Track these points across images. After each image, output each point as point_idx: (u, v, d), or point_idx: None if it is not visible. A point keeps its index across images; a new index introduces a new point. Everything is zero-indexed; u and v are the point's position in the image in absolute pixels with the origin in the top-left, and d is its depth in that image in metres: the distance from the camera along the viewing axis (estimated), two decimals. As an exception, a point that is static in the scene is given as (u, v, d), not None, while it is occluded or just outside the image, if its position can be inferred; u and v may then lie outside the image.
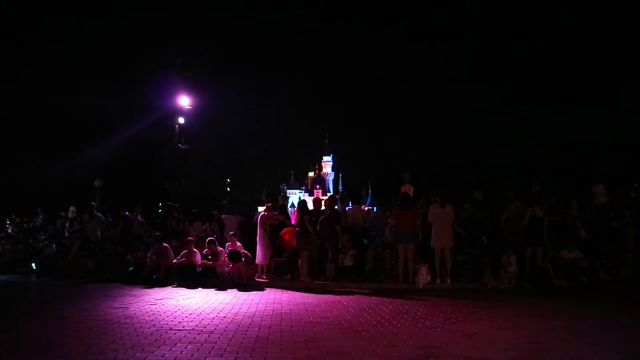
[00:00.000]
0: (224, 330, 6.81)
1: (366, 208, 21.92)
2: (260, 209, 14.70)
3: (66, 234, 17.18)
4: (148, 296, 10.30)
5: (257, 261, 12.60)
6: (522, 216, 12.20)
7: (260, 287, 11.60)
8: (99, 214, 16.81)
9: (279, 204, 14.21)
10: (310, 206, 13.31)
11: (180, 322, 7.46)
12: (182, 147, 20.35)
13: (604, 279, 12.01)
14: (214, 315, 7.98)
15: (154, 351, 5.70)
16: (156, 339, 6.29)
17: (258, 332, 6.77)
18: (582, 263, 12.08)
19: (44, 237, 17.19)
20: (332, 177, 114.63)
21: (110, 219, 16.97)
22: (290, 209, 15.12)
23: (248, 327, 7.05)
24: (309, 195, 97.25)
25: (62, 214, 18.33)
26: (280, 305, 9.09)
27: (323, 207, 13.40)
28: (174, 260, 12.71)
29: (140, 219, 16.72)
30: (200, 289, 11.45)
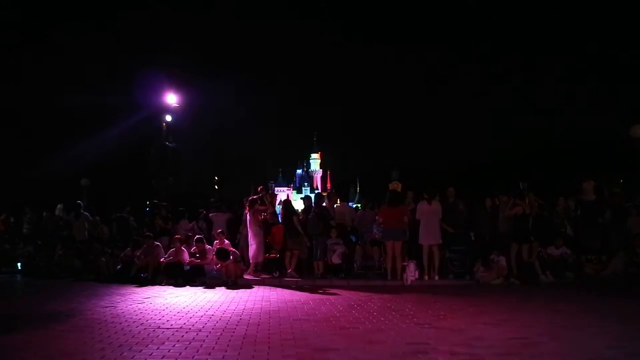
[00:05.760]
0: (212, 329, 6.79)
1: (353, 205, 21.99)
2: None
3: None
4: (135, 295, 10.24)
5: (251, 259, 12.55)
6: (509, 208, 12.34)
7: (248, 285, 11.57)
8: (85, 212, 16.68)
9: (258, 195, 13.83)
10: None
11: (168, 320, 7.42)
12: (170, 145, 20.28)
13: (589, 274, 12.14)
14: (202, 314, 7.95)
15: (141, 350, 5.66)
16: (144, 338, 6.25)
17: (246, 330, 6.75)
18: (568, 259, 12.22)
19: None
20: (320, 175, 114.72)
21: (97, 218, 16.85)
22: (278, 206, 15.05)
23: (236, 325, 7.03)
24: (297, 193, 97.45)
25: (45, 213, 18.15)
26: (268, 303, 9.08)
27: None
28: (162, 259, 12.64)
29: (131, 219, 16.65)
30: (188, 287, 11.41)
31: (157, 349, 5.72)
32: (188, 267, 12.41)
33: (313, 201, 13.44)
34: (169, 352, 5.58)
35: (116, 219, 16.32)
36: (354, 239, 13.80)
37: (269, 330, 6.78)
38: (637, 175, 16.88)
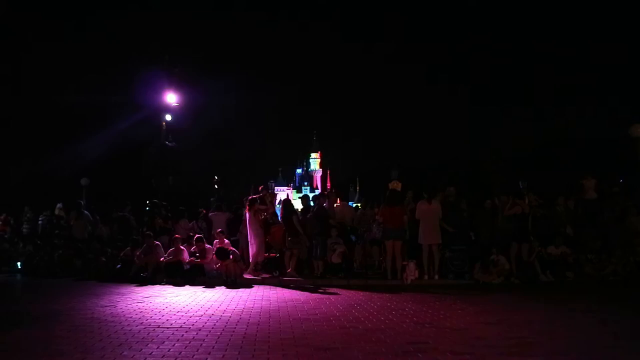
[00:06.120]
0: (212, 328, 6.79)
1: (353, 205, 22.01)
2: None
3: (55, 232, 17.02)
4: (135, 294, 10.25)
5: (251, 258, 12.55)
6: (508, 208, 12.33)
7: (248, 285, 11.57)
8: (86, 212, 16.68)
9: (258, 194, 13.90)
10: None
11: (167, 320, 7.42)
12: (169, 144, 20.26)
13: (589, 274, 12.15)
14: (202, 313, 7.95)
15: (141, 349, 5.66)
16: (144, 337, 6.25)
17: (246, 329, 6.75)
18: (568, 258, 12.23)
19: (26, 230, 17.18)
20: (320, 174, 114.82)
21: (98, 217, 16.85)
22: (278, 206, 15.05)
23: (236, 325, 7.03)
24: (297, 192, 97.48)
25: (46, 213, 18.16)
26: (268, 302, 9.08)
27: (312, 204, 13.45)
28: (162, 259, 12.64)
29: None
30: (188, 286, 11.41)
31: (157, 348, 5.72)
32: (188, 267, 12.43)
33: (311, 201, 13.46)
34: (168, 351, 5.58)
35: (118, 218, 16.33)
36: (353, 238, 13.80)
37: (269, 329, 6.78)
38: (637, 175, 16.89)
